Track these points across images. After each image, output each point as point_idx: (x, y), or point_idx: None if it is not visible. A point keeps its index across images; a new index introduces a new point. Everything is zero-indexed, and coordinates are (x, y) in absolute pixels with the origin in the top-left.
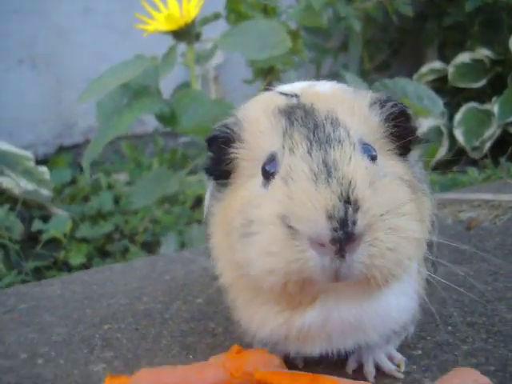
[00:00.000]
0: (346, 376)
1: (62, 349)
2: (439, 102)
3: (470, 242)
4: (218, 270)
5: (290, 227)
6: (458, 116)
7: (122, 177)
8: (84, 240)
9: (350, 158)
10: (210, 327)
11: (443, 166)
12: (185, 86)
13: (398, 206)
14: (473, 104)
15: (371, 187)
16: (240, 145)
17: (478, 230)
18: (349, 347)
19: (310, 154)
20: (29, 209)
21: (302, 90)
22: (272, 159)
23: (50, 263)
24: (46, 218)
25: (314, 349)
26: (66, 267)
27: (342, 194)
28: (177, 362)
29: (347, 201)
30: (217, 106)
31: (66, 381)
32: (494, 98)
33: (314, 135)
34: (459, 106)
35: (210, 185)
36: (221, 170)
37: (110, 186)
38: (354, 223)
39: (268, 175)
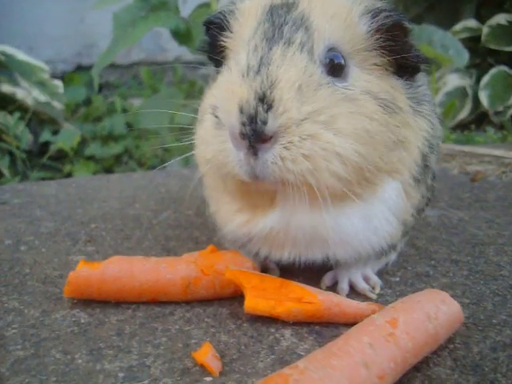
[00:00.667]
0: None
1: (46, 240)
2: (465, 54)
3: (472, 192)
4: (196, 159)
5: (217, 117)
6: (485, 78)
7: (137, 102)
8: (92, 158)
9: (287, 58)
10: (195, 235)
11: (463, 127)
12: (205, 6)
13: (323, 115)
14: (503, 67)
15: (298, 91)
16: (230, 34)
17: (482, 183)
18: (317, 258)
19: (256, 50)
20: (41, 121)
21: None
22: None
23: (54, 175)
24: (56, 132)
25: (283, 253)
26: None
27: (257, 91)
28: None
29: (261, 99)
30: None
31: (44, 266)
32: None
33: (272, 34)
34: (489, 68)
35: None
36: (216, 58)
37: (124, 110)
38: (264, 123)
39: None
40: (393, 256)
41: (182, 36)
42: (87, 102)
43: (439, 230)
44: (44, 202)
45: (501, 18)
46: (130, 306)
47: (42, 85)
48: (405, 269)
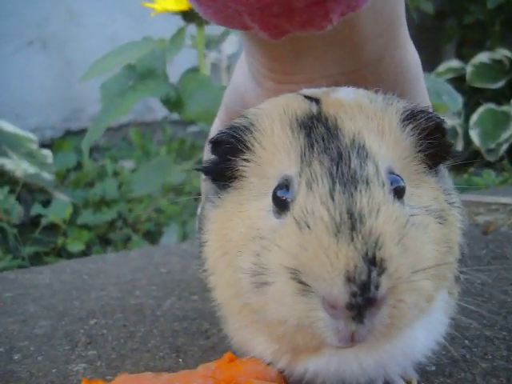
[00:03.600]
0: None
1: (42, 344)
2: (458, 99)
3: (488, 248)
4: (211, 283)
5: (302, 282)
6: (474, 117)
7: (128, 164)
8: (85, 227)
9: (379, 206)
10: (204, 327)
11: (457, 168)
12: (193, 70)
13: (427, 266)
14: (490, 105)
15: (400, 243)
16: (249, 156)
17: (495, 235)
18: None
19: (332, 196)
20: (31, 192)
21: (323, 94)
22: (285, 184)
23: (48, 249)
24: (47, 203)
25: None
26: (66, 254)
27: (366, 254)
28: (164, 366)
29: (372, 261)
30: (223, 93)
31: (41, 380)
32: None
33: (337, 169)
34: (476, 106)
35: (203, 179)
36: (222, 174)
37: (115, 173)
38: (377, 287)
39: (280, 203)
40: None
41: (171, 104)
42: (78, 166)
43: (465, 299)
44: (38, 293)
45: (483, 57)
46: None
47: (30, 156)
48: (439, 353)
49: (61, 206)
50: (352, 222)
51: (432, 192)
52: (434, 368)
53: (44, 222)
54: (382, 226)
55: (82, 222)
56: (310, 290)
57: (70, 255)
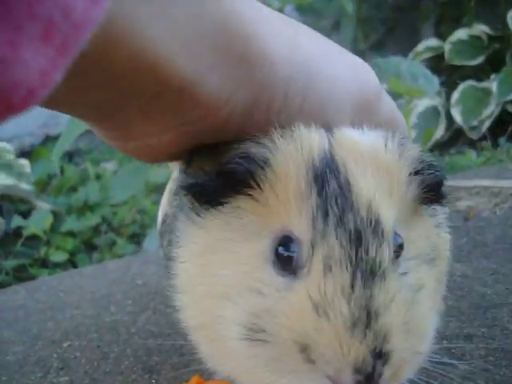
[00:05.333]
0: None
1: (14, 372)
2: (435, 81)
3: (469, 236)
4: (179, 302)
5: (311, 359)
6: (455, 95)
7: (110, 166)
8: (70, 233)
9: (392, 300)
10: (178, 344)
11: (440, 148)
12: None
13: (425, 342)
14: (470, 82)
15: (404, 331)
16: (255, 195)
17: (477, 221)
18: None
19: (353, 288)
20: (12, 203)
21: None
22: (289, 241)
23: (31, 261)
24: (28, 213)
25: None
26: (50, 264)
27: (374, 349)
28: None
29: (378, 355)
30: None
31: None
32: (492, 76)
33: (356, 255)
34: (456, 84)
35: (171, 182)
36: (214, 199)
37: (98, 176)
38: (380, 375)
39: (284, 260)
40: None
41: None
42: (59, 172)
43: (444, 293)
44: (11, 316)
45: (461, 34)
46: None
47: (7, 167)
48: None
49: (41, 217)
50: (368, 320)
51: (424, 230)
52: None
53: (25, 233)
54: (391, 321)
55: (66, 229)
56: (315, 365)
57: (54, 265)
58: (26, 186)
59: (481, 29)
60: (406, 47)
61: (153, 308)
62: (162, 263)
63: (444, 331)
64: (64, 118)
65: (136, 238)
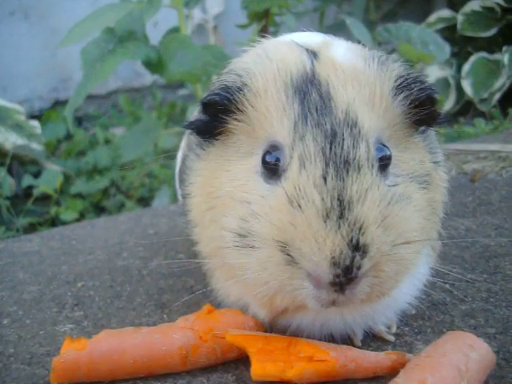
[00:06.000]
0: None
1: (30, 308)
2: (446, 48)
3: (474, 195)
4: (194, 236)
5: (289, 255)
6: (466, 66)
7: (119, 131)
8: (79, 195)
9: (367, 192)
10: (189, 284)
11: (450, 120)
12: (174, 31)
13: (406, 239)
14: (482, 54)
15: (382, 225)
16: (240, 117)
17: (482, 183)
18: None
19: (325, 180)
20: (22, 165)
21: (321, 48)
22: (275, 149)
23: (42, 219)
24: (38, 174)
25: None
26: (60, 223)
27: (351, 240)
28: (149, 322)
29: (356, 247)
30: (206, 52)
31: (29, 343)
32: (504, 48)
33: (330, 149)
34: (468, 56)
35: (186, 134)
36: (209, 131)
37: (107, 141)
38: (359, 268)
39: (270, 168)
40: None
41: (153, 65)
42: (68, 136)
43: (448, 244)
44: (27, 261)
45: (474, 5)
46: (126, 383)
47: (18, 127)
48: (418, 298)
49: (51, 176)
50: (341, 210)
51: (418, 154)
52: (413, 312)
53: (36, 192)
54: (366, 211)
55: (75, 191)
56: (295, 262)
57: (64, 224)
58: (36, 147)
59: (494, 0)
60: (418, 18)
61: (164, 254)
62: (172, 216)
63: (446, 277)
64: (74, 83)
65: (144, 202)
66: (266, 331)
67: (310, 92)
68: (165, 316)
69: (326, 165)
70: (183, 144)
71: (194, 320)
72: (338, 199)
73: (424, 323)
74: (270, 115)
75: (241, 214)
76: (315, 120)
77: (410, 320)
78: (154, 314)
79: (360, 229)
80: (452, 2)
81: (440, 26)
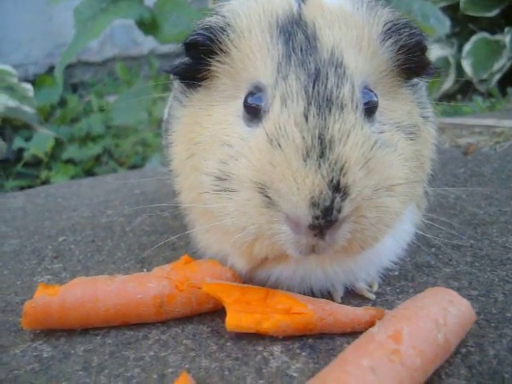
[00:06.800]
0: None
1: (10, 259)
2: (446, 22)
3: (466, 166)
4: (176, 185)
5: (268, 197)
6: (467, 46)
7: (114, 99)
8: (71, 161)
9: (349, 132)
10: (172, 241)
11: (448, 98)
12: None
13: (389, 185)
14: (484, 34)
15: (364, 167)
16: (223, 58)
17: (476, 156)
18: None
19: (307, 118)
20: (14, 129)
21: None
22: (258, 90)
23: (32, 183)
24: (30, 138)
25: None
26: None
27: (331, 181)
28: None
29: (336, 188)
30: (201, 15)
31: (5, 292)
32: (506, 29)
33: (313, 87)
34: (469, 36)
35: (174, 85)
36: (192, 75)
37: (101, 109)
38: (339, 211)
39: (252, 110)
40: None
41: (147, 26)
42: (62, 103)
43: (436, 211)
44: (10, 216)
45: None
46: (99, 331)
47: (10, 89)
48: (403, 260)
49: (43, 140)
50: (322, 149)
51: (406, 105)
52: (397, 273)
53: (26, 155)
54: (348, 152)
55: (67, 156)
56: (274, 205)
57: None
58: (28, 109)
59: None
60: None
61: (148, 212)
62: (161, 177)
63: (432, 241)
64: None
65: (137, 169)
66: (244, 283)
67: (295, 33)
68: (144, 270)
69: (308, 103)
70: (170, 97)
71: (171, 270)
72: (319, 138)
73: (407, 284)
74: (254, 56)
75: (221, 157)
76: (299, 59)
77: (393, 280)
78: (133, 267)
79: (341, 169)
80: None
81: (443, 4)
